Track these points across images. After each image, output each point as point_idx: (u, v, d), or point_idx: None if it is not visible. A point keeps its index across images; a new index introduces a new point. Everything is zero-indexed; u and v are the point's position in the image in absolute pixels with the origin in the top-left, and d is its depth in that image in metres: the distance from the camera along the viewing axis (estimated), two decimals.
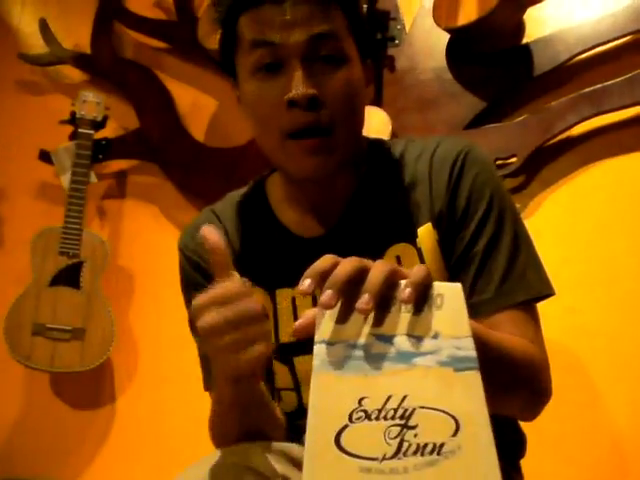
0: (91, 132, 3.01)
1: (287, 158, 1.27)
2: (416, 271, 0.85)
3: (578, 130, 2.43)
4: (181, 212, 3.07)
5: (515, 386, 1.15)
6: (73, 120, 3.03)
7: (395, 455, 0.76)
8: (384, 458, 0.76)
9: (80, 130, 3.01)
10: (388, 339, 0.85)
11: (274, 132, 1.25)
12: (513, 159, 2.41)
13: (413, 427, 0.79)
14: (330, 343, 0.84)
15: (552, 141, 2.43)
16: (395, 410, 0.80)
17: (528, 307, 1.26)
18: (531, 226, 1.36)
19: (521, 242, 1.30)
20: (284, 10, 1.21)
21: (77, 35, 3.42)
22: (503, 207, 1.31)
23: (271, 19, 1.22)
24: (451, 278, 1.28)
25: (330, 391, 0.82)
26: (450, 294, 0.88)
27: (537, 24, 2.57)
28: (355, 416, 0.79)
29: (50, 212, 3.14)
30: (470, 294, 1.25)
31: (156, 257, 3.09)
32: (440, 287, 0.88)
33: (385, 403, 0.80)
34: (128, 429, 3.00)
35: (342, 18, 1.26)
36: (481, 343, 0.90)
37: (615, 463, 2.28)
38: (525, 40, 2.56)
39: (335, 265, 0.85)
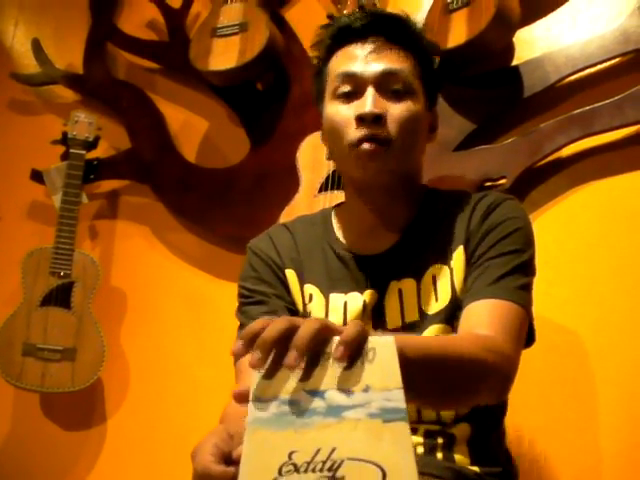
0: (83, 152, 3.02)
1: (352, 164, 1.54)
2: (349, 328, 0.91)
3: (567, 152, 2.43)
4: (172, 233, 3.08)
5: (468, 383, 1.28)
6: (65, 140, 3.04)
7: None
8: None
9: (72, 150, 3.02)
10: (319, 394, 0.89)
11: (344, 144, 1.52)
12: (503, 180, 2.42)
13: (341, 479, 0.81)
14: (262, 400, 0.89)
15: (541, 162, 2.44)
16: (324, 462, 0.81)
17: (512, 307, 1.43)
18: None
19: (528, 272, 1.52)
20: (366, 47, 1.54)
21: (70, 55, 3.43)
22: (520, 244, 1.52)
23: (356, 55, 1.55)
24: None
25: (262, 446, 0.85)
26: (382, 348, 0.92)
27: (526, 46, 2.58)
28: (285, 469, 0.81)
29: (42, 232, 3.14)
30: (468, 287, 1.48)
31: (147, 277, 3.10)
32: (373, 341, 0.92)
33: (314, 456, 0.82)
34: (119, 450, 2.99)
35: (413, 63, 1.56)
36: (421, 351, 1.10)
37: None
38: (515, 62, 2.56)
39: (265, 327, 0.93)
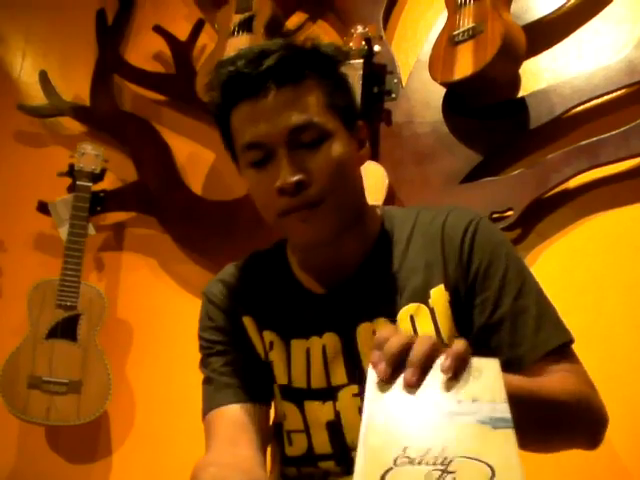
0: (89, 184, 3.03)
1: (288, 233, 1.42)
2: (457, 344, 0.96)
3: (574, 183, 2.43)
4: (179, 265, 3.08)
5: (568, 422, 1.27)
6: (71, 172, 3.05)
7: None
8: None
9: (78, 182, 3.03)
10: (431, 400, 0.94)
11: (271, 214, 1.37)
12: (510, 212, 2.42)
13: (452, 472, 0.84)
14: (379, 398, 0.96)
15: (548, 194, 2.44)
16: (436, 457, 0.86)
17: (564, 349, 1.37)
18: None
19: (540, 295, 1.41)
20: (260, 104, 1.33)
21: (76, 87, 3.45)
22: (519, 266, 1.41)
23: (252, 118, 1.34)
24: (483, 337, 1.36)
25: (379, 438, 0.90)
26: (487, 367, 0.99)
27: (532, 77, 2.58)
28: (399, 461, 0.85)
29: (48, 264, 3.15)
30: (508, 350, 1.34)
31: (153, 310, 3.10)
32: (479, 362, 0.99)
33: (427, 452, 0.87)
34: None
35: (318, 95, 1.37)
36: (525, 392, 1.10)
37: None
38: (521, 93, 2.57)
39: (387, 339, 0.97)
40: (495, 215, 2.42)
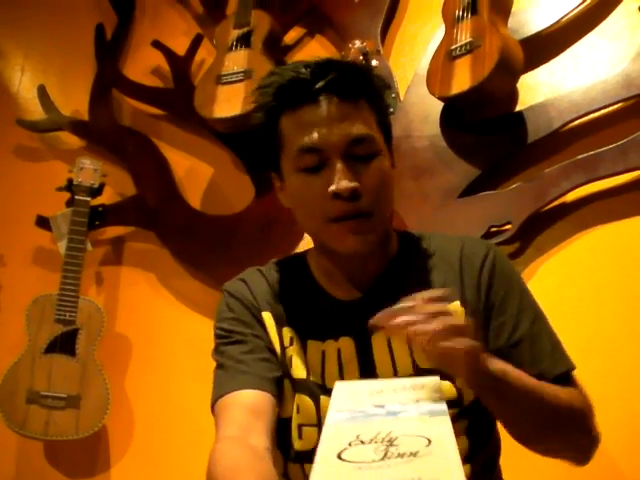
0: (88, 199, 3.04)
1: (331, 239, 1.44)
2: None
3: (572, 197, 2.44)
4: (178, 279, 3.09)
5: (562, 425, 1.35)
6: (70, 187, 3.06)
7: (382, 459, 0.98)
8: (373, 461, 0.98)
9: (77, 197, 3.03)
10: (381, 406, 1.16)
11: (319, 218, 1.42)
12: (508, 226, 2.42)
13: (396, 445, 1.02)
14: (340, 411, 1.17)
15: (546, 208, 2.45)
16: (383, 438, 1.04)
17: (571, 376, 1.49)
18: None
19: (549, 324, 1.52)
20: (321, 111, 1.39)
21: (75, 102, 3.46)
22: (530, 296, 1.53)
23: (311, 123, 1.39)
24: (501, 358, 1.37)
25: (336, 431, 1.09)
26: (429, 382, 1.23)
27: (530, 91, 2.59)
28: (353, 443, 1.04)
29: (47, 278, 3.15)
30: (529, 367, 1.40)
31: (152, 324, 3.11)
32: (422, 379, 1.25)
33: (376, 435, 1.05)
34: None
35: (372, 113, 1.44)
36: (520, 381, 1.28)
37: None
38: (518, 107, 2.58)
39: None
40: (493, 229, 2.43)
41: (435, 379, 1.24)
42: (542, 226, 2.48)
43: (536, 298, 1.53)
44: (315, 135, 1.39)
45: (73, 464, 3.08)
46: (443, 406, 1.16)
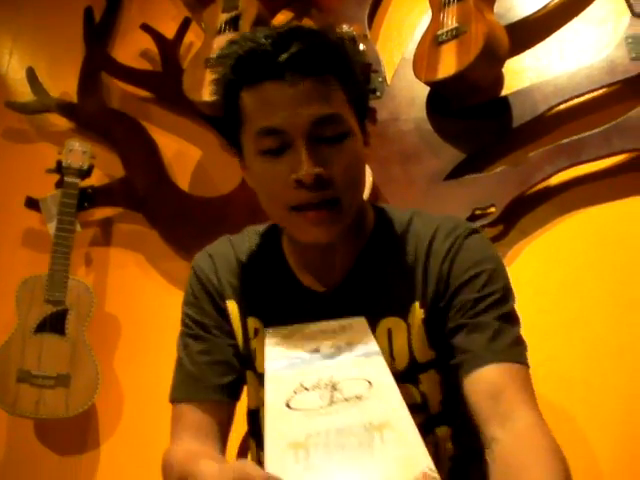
0: (77, 181, 3.05)
1: (293, 228, 1.35)
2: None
3: (556, 180, 2.48)
4: (166, 261, 3.11)
5: None
6: (59, 169, 3.06)
7: (329, 405, 1.04)
8: (321, 407, 1.03)
9: (66, 179, 3.04)
10: (316, 350, 1.22)
11: (281, 206, 1.31)
12: (492, 209, 2.45)
13: (339, 390, 1.07)
14: (277, 359, 1.23)
15: (530, 191, 2.48)
16: (326, 384, 1.09)
17: (521, 367, 1.30)
18: (510, 274, 1.41)
19: (516, 319, 1.35)
20: (285, 89, 1.24)
21: (64, 84, 3.46)
22: (503, 286, 1.36)
23: (274, 101, 1.25)
24: (447, 340, 1.34)
25: (279, 381, 1.14)
26: (357, 323, 1.31)
27: (516, 75, 2.62)
28: (298, 391, 1.09)
29: (37, 259, 3.17)
30: (460, 353, 1.31)
31: (141, 305, 3.14)
32: (349, 320, 1.32)
33: (318, 381, 1.10)
34: (112, 475, 3.01)
35: (340, 90, 1.30)
36: None
37: None
38: (504, 91, 2.60)
39: None
40: (478, 211, 2.46)
41: (361, 320, 1.30)
42: (526, 209, 2.52)
43: (519, 279, 1.46)
44: (276, 115, 1.26)
45: (63, 442, 3.10)
46: (375, 347, 1.21)
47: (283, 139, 1.26)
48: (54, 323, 2.90)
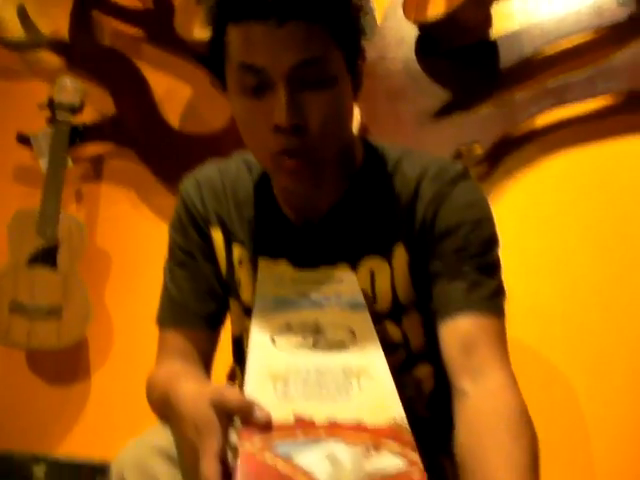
0: (68, 117, 3.06)
1: (273, 173, 1.36)
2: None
3: (540, 122, 2.51)
4: (158, 197, 3.13)
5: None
6: (51, 105, 3.08)
7: (312, 347, 1.08)
8: (303, 347, 1.08)
9: (58, 115, 3.06)
10: (305, 295, 1.27)
11: (260, 149, 1.30)
12: (477, 148, 2.49)
13: (323, 334, 1.12)
14: (265, 295, 1.28)
15: (515, 132, 2.52)
16: (310, 326, 1.14)
17: (497, 319, 1.31)
18: (494, 213, 1.42)
19: (496, 268, 1.37)
20: (270, 30, 1.19)
21: (56, 21, 3.44)
22: (489, 235, 1.37)
23: (257, 40, 1.21)
24: (429, 285, 1.36)
25: (264, 321, 1.17)
26: (347, 277, 1.35)
27: (505, 18, 2.61)
28: (283, 329, 1.13)
29: (29, 195, 3.19)
30: (442, 296, 1.33)
31: (133, 240, 3.17)
32: (340, 273, 1.36)
33: (303, 324, 1.15)
34: (103, 405, 3.08)
35: (329, 36, 1.24)
36: None
37: (580, 448, 2.38)
38: (493, 34, 2.60)
39: None
40: (462, 149, 2.49)
41: (350, 274, 1.36)
42: (511, 149, 2.55)
43: (503, 218, 1.47)
44: (257, 53, 1.21)
45: (55, 373, 3.16)
46: (362, 300, 1.24)
47: (262, 78, 1.22)
48: (46, 256, 2.94)
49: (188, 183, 1.56)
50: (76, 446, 3.02)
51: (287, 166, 1.26)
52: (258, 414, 0.92)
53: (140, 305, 2.99)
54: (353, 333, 1.13)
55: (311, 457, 0.86)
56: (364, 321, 1.18)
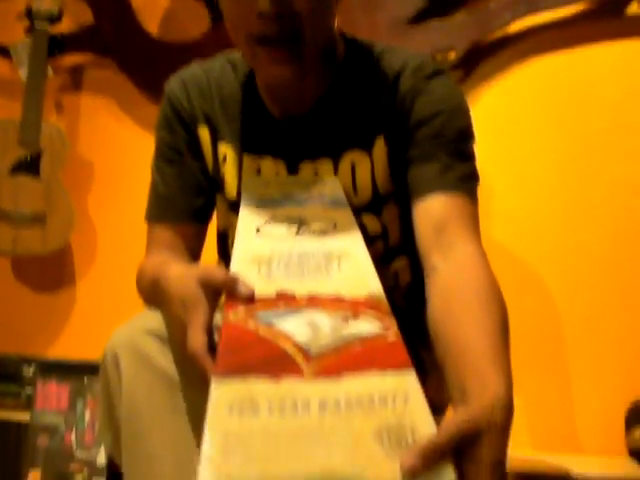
0: (47, 25, 3.05)
1: (256, 64, 1.36)
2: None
3: (515, 28, 2.53)
4: (138, 106, 3.14)
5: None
6: (29, 14, 3.05)
7: (296, 234, 1.15)
8: (289, 235, 1.14)
9: (36, 24, 3.04)
10: (289, 195, 1.32)
11: (244, 35, 1.29)
12: (452, 53, 2.52)
13: (306, 224, 1.18)
14: (251, 193, 1.34)
15: (490, 38, 2.55)
16: (295, 219, 1.20)
17: (469, 200, 1.34)
18: None
19: (470, 156, 1.40)
20: None
21: None
22: (463, 125, 1.41)
23: None
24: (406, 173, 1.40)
25: (252, 212, 1.25)
26: (330, 180, 1.39)
27: None
28: (269, 222, 1.20)
29: (10, 107, 3.18)
30: (416, 178, 1.37)
31: (114, 150, 3.19)
32: (322, 178, 1.41)
33: (287, 217, 1.21)
34: (88, 311, 3.14)
35: None
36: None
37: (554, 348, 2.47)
38: None
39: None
40: (438, 56, 2.52)
41: (334, 178, 1.39)
42: (485, 55, 2.58)
43: (477, 122, 1.46)
44: None
45: (40, 280, 3.22)
46: (344, 200, 1.30)
47: None
48: (29, 165, 2.96)
49: (173, 82, 1.57)
50: (64, 349, 3.08)
51: (272, 55, 1.28)
52: (242, 287, 0.99)
53: (122, 213, 3.05)
54: (335, 225, 1.18)
55: (292, 323, 0.92)
56: (346, 216, 1.23)
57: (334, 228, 1.17)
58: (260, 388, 0.79)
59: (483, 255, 1.25)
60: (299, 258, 1.07)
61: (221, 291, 1.04)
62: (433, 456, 0.75)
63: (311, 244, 1.12)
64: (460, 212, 1.30)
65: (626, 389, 2.27)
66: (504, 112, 2.58)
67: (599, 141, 2.46)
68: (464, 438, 0.83)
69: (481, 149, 1.45)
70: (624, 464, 2.07)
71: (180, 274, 1.15)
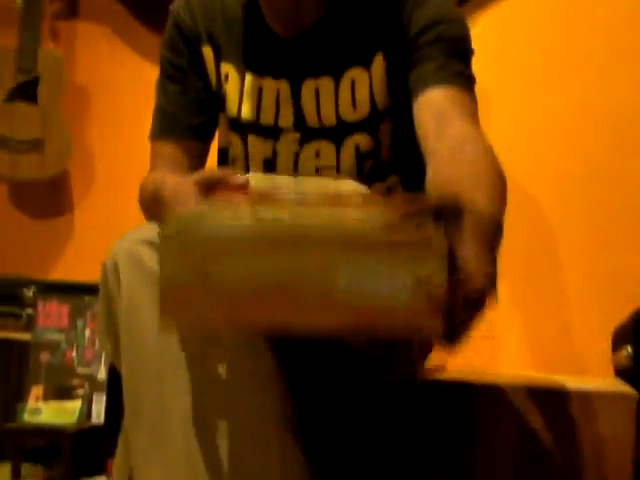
0: None
1: None
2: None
3: None
4: (135, 34, 3.14)
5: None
6: None
7: (295, 184, 1.21)
8: (289, 183, 1.19)
9: None
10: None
11: None
12: None
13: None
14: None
15: None
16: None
17: (467, 93, 1.39)
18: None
19: (467, 59, 1.44)
20: None
21: None
22: (461, 32, 1.46)
23: None
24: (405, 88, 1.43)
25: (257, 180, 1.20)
26: (349, 189, 1.31)
27: None
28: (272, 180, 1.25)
29: (7, 34, 3.13)
30: (415, 76, 1.41)
31: (111, 77, 3.18)
32: (342, 185, 1.33)
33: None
34: (86, 237, 3.17)
35: None
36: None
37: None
38: None
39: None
40: None
41: (356, 186, 1.33)
42: None
43: (476, 46, 1.48)
44: None
45: (38, 207, 3.24)
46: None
47: None
48: (26, 91, 2.97)
49: (178, 2, 1.59)
50: (63, 273, 3.09)
51: None
52: (238, 178, 1.04)
53: (119, 139, 3.06)
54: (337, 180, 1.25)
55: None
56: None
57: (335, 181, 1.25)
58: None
59: (480, 134, 1.29)
60: (299, 192, 1.13)
61: (215, 187, 1.07)
62: (413, 207, 0.78)
63: (311, 181, 1.23)
64: (458, 102, 1.35)
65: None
66: (501, 37, 2.60)
67: (597, 62, 2.48)
68: (445, 205, 0.83)
69: (479, 73, 1.47)
70: (613, 383, 2.10)
71: (178, 181, 1.20)
